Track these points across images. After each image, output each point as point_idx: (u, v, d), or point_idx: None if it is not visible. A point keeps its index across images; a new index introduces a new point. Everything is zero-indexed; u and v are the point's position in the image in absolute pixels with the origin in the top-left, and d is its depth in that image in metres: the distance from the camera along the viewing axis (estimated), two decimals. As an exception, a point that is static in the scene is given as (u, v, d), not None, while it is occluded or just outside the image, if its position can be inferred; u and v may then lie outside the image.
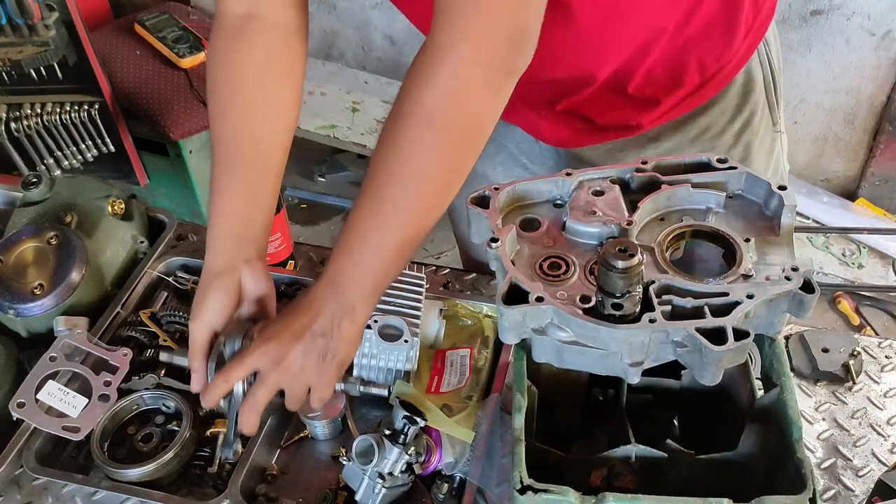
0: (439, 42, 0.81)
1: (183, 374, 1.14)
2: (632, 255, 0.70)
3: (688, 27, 0.97)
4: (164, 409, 1.11)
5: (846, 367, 1.16)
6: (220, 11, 1.01)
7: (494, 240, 0.80)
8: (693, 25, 0.97)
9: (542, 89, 1.05)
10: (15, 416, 1.03)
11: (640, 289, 0.72)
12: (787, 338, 1.20)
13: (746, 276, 0.77)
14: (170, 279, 1.27)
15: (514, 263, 0.79)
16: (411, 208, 0.85)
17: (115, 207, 1.27)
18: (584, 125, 1.09)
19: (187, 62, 2.35)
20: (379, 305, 1.04)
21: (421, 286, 1.14)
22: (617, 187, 0.85)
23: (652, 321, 0.72)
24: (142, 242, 1.30)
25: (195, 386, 0.94)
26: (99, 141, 2.29)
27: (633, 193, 0.86)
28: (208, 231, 0.98)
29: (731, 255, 0.79)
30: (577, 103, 1.06)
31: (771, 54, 1.08)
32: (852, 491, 1.04)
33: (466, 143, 0.85)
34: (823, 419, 1.12)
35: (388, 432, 0.97)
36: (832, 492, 1.04)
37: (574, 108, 1.07)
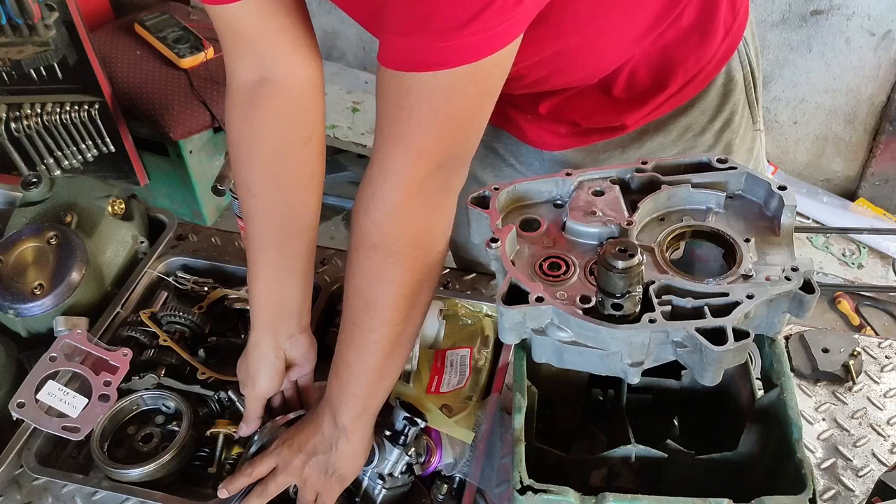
0: (376, 169, 0.80)
1: (183, 375, 1.14)
2: (632, 255, 0.70)
3: (668, 30, 0.98)
4: (164, 409, 1.11)
5: (846, 367, 1.16)
6: (230, 80, 0.97)
7: (494, 240, 0.80)
8: (673, 28, 0.98)
9: (527, 96, 1.05)
10: (15, 416, 1.03)
11: (640, 289, 0.72)
12: (787, 338, 1.20)
13: (746, 277, 0.76)
14: (170, 279, 1.27)
15: (514, 263, 0.79)
16: (381, 334, 0.88)
17: (115, 207, 1.27)
18: (568, 128, 1.09)
19: (187, 62, 2.35)
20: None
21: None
22: (617, 187, 0.85)
23: (652, 321, 0.72)
24: (142, 242, 1.30)
25: (242, 432, 1.06)
26: (99, 141, 2.30)
27: (633, 193, 0.86)
28: (250, 307, 1.05)
29: (731, 256, 0.79)
30: (561, 106, 1.06)
31: (750, 54, 1.08)
32: (852, 491, 1.04)
33: (416, 266, 0.84)
34: (823, 419, 1.12)
35: (388, 433, 0.97)
36: (832, 492, 1.04)
37: (558, 112, 1.07)
